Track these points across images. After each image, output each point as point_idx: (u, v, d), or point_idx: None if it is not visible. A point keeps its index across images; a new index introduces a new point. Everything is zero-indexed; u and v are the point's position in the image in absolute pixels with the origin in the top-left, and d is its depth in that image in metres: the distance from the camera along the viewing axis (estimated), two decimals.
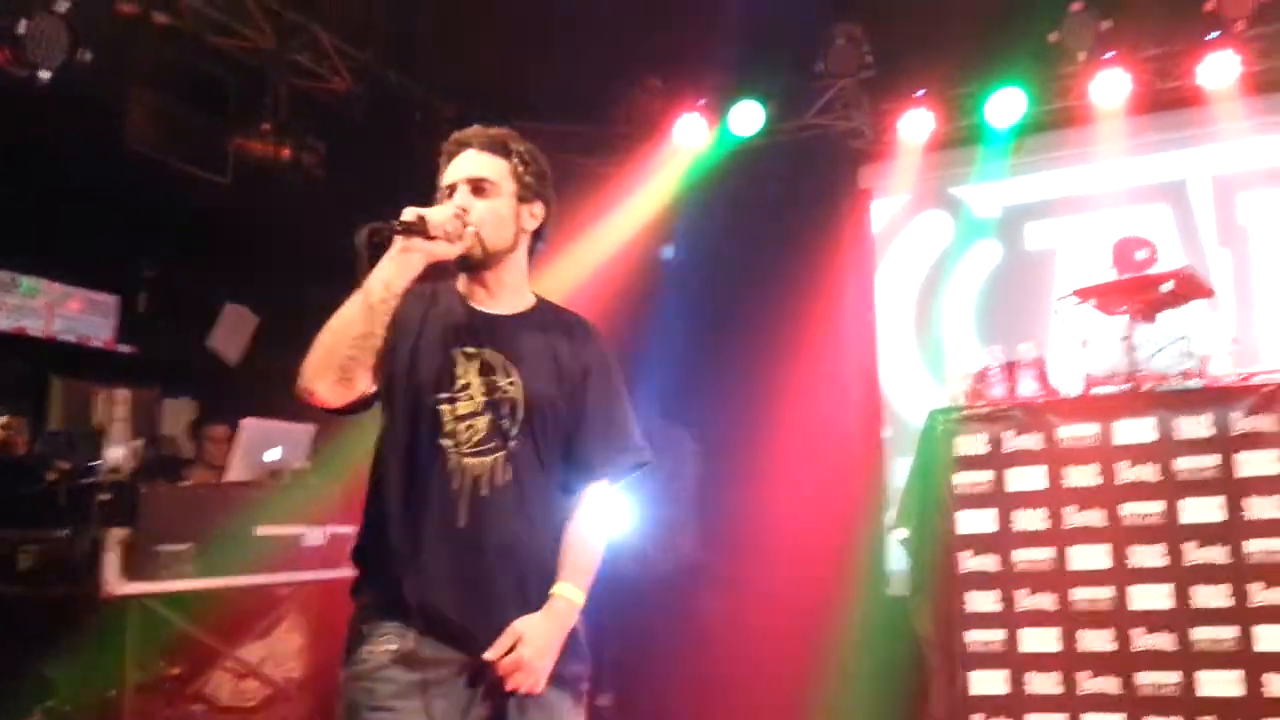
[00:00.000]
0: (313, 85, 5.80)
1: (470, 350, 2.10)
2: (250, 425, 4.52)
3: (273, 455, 4.54)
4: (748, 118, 6.17)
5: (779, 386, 5.22)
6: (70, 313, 5.46)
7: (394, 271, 2.00)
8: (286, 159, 5.78)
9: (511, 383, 2.09)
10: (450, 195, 2.14)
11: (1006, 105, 5.73)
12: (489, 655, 1.98)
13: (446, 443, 2.03)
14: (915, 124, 6.03)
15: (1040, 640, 3.51)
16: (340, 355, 1.96)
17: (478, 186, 2.13)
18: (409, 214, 2.00)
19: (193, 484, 4.75)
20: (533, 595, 2.05)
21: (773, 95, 6.22)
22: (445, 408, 2.05)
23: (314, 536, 4.29)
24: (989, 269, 6.02)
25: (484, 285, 2.17)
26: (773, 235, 5.95)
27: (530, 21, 5.52)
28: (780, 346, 5.50)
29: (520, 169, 2.17)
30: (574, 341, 2.21)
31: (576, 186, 6.12)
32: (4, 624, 3.72)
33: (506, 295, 2.19)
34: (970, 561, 3.62)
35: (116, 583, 3.59)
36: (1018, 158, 5.88)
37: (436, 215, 2.02)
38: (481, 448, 2.05)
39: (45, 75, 4.47)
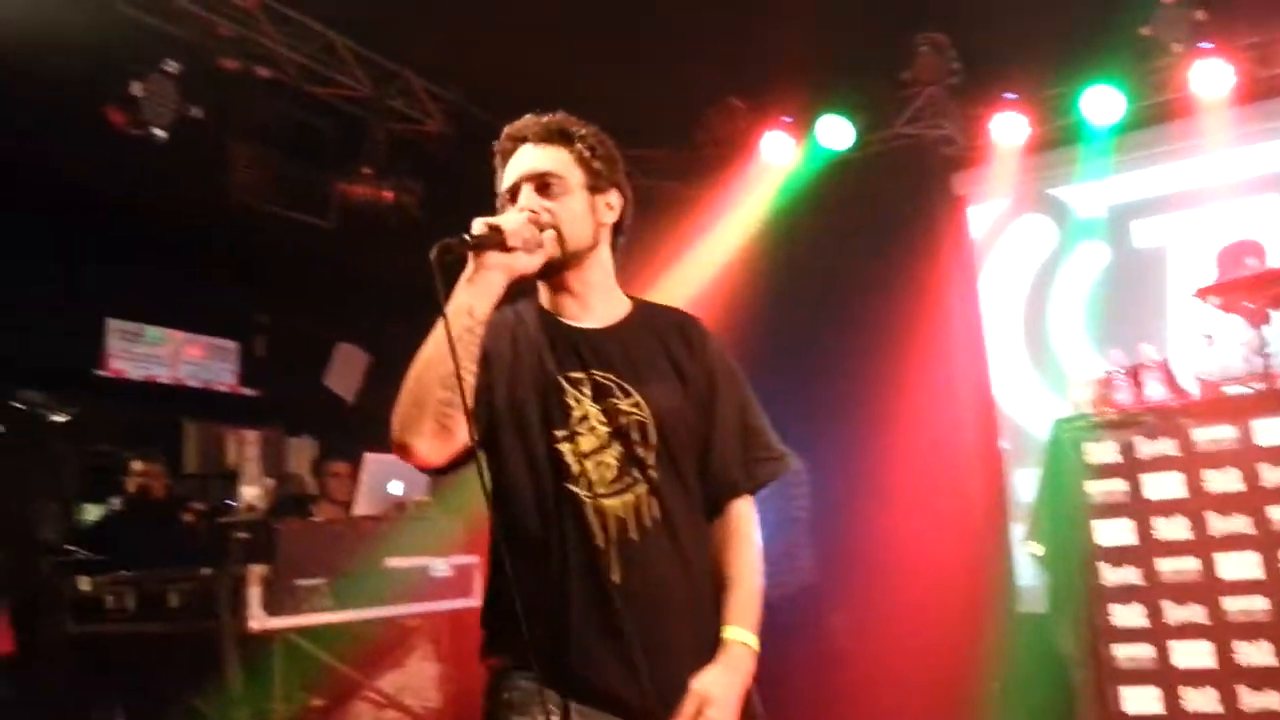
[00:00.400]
0: (407, 128, 5.96)
1: (576, 375, 1.85)
2: (373, 459, 4.64)
3: (395, 488, 4.66)
4: (836, 131, 6.15)
5: (889, 403, 5.17)
6: (193, 359, 5.68)
7: (475, 295, 1.75)
8: (387, 201, 5.95)
9: (635, 404, 1.84)
10: (513, 200, 1.89)
11: (1103, 103, 5.62)
12: None
13: (576, 488, 1.78)
14: (1007, 127, 5.95)
15: (1193, 654, 3.41)
16: (432, 400, 1.68)
17: (542, 183, 1.88)
18: (479, 225, 1.75)
19: (325, 520, 4.89)
20: (705, 646, 1.81)
21: (859, 107, 6.20)
22: (565, 446, 1.80)
23: (440, 567, 4.38)
24: (1097, 270, 5.88)
25: (570, 294, 1.92)
26: (870, 248, 5.90)
27: (608, 48, 5.59)
28: (887, 362, 5.44)
29: (586, 155, 1.92)
30: (690, 343, 1.96)
31: (664, 211, 6.18)
32: (157, 659, 3.89)
33: (598, 301, 1.94)
34: (1111, 574, 3.55)
35: (260, 617, 3.70)
36: (1119, 155, 5.76)
37: (510, 223, 1.78)
38: (617, 485, 1.79)
39: (160, 134, 4.67)
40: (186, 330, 5.66)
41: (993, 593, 5.33)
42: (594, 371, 1.84)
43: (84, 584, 4.14)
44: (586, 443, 1.80)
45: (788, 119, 6.29)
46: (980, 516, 5.65)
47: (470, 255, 1.75)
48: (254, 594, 3.73)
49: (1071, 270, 5.98)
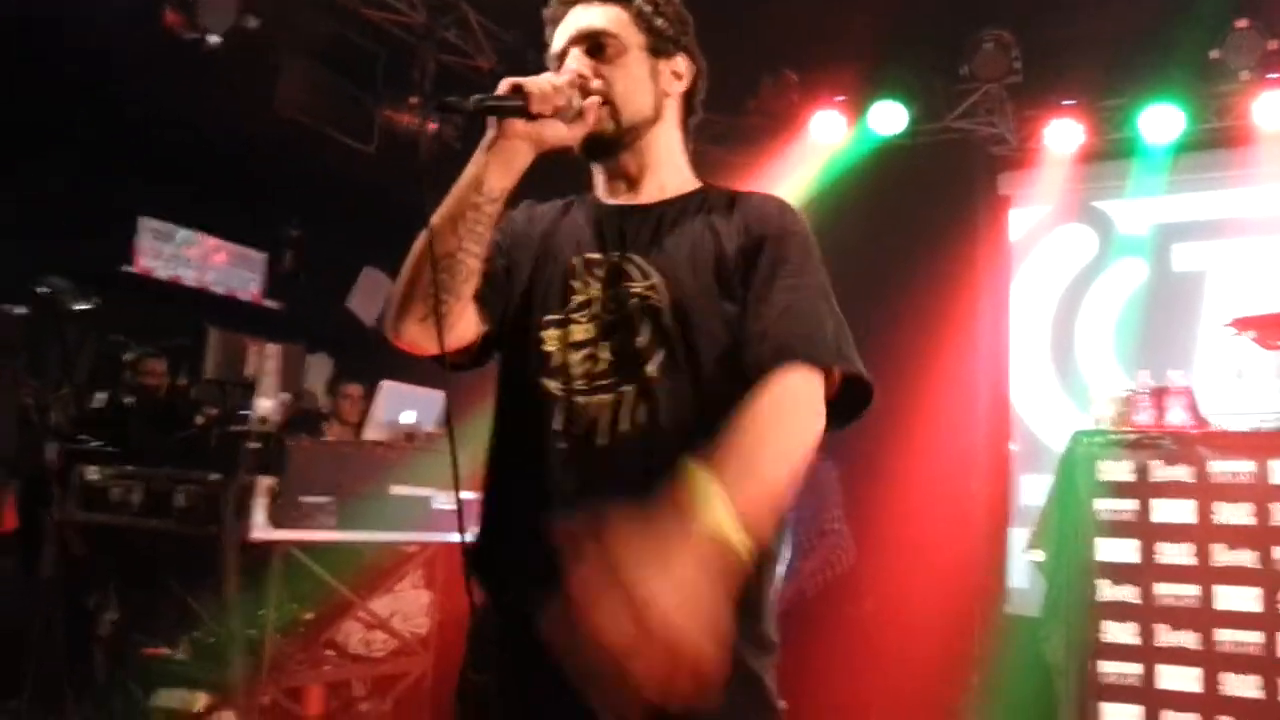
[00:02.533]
0: (458, 61, 5.93)
1: (593, 256, 1.57)
2: (389, 386, 4.67)
3: (408, 418, 4.69)
4: (888, 117, 6.09)
5: (908, 391, 5.15)
6: (219, 265, 5.71)
7: (489, 168, 1.46)
8: (429, 131, 5.92)
9: (649, 287, 1.52)
10: (559, 67, 1.60)
11: (1162, 121, 5.56)
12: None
13: (552, 381, 1.50)
14: (1062, 133, 5.90)
15: (1180, 679, 3.43)
16: (423, 282, 1.44)
17: (595, 44, 1.58)
18: (503, 85, 1.46)
19: (335, 440, 4.93)
20: None
21: (913, 96, 6.13)
22: (551, 333, 1.53)
23: (442, 500, 4.41)
24: (1132, 288, 5.86)
25: (625, 175, 1.63)
26: (909, 237, 5.87)
27: None
28: (911, 350, 5.42)
29: (648, 11, 1.61)
30: (755, 215, 1.57)
31: (707, 175, 6.14)
32: (157, 555, 3.95)
33: (655, 182, 1.63)
34: (1108, 590, 3.56)
35: (263, 528, 3.74)
36: (1170, 175, 5.70)
37: (538, 83, 1.46)
38: (603, 382, 1.49)
39: (214, 39, 4.66)
40: (218, 236, 5.67)
41: (985, 591, 5.37)
42: (614, 253, 1.56)
43: (91, 473, 4.19)
44: (579, 331, 1.52)
45: (840, 98, 6.23)
46: (983, 515, 5.68)
47: (491, 121, 1.46)
48: (259, 504, 3.75)
49: (1106, 285, 5.95)
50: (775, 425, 1.37)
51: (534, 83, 1.45)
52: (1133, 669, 3.49)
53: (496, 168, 1.46)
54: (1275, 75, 5.33)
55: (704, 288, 1.51)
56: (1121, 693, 3.49)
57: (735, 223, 1.57)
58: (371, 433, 4.62)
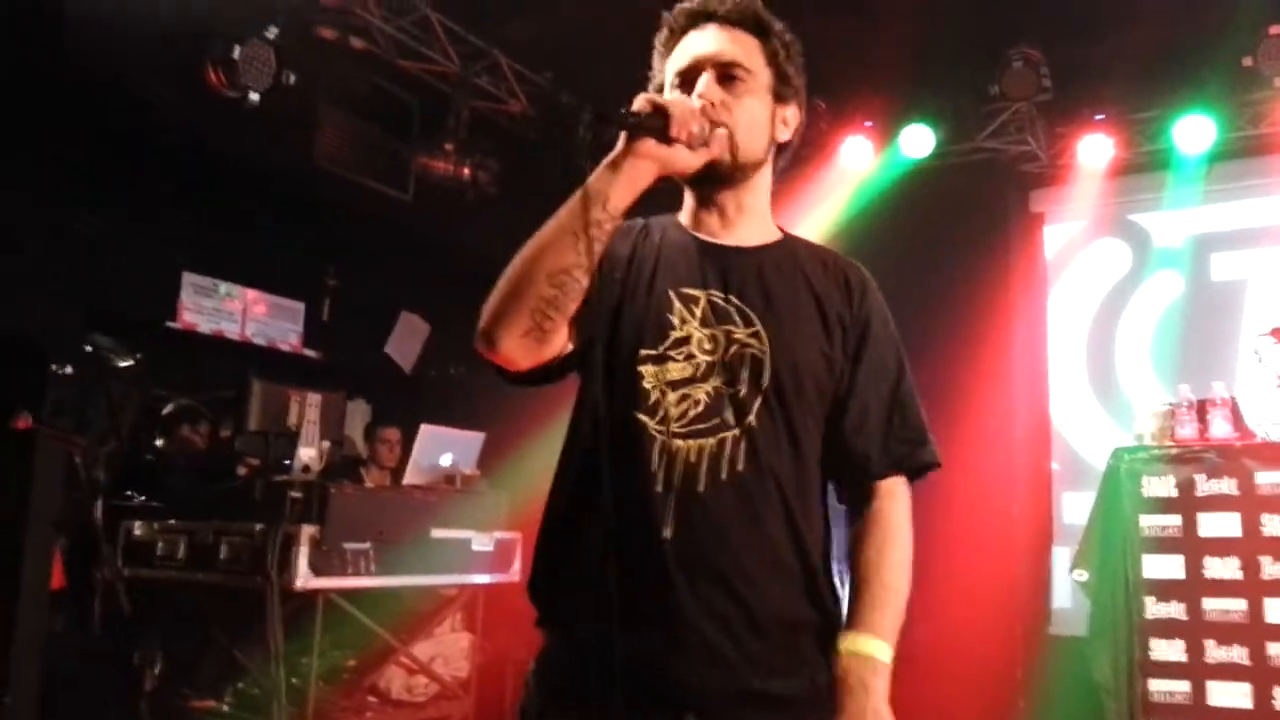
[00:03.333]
0: (491, 107, 6.02)
1: (692, 292, 1.53)
2: (428, 430, 4.73)
3: (446, 460, 4.74)
4: (918, 140, 6.08)
5: (947, 414, 5.11)
6: (259, 317, 5.82)
7: (616, 184, 1.42)
8: (464, 177, 6.01)
9: (754, 334, 1.50)
10: (684, 85, 1.55)
11: (1195, 131, 5.50)
12: None
13: (647, 419, 1.47)
14: (1093, 148, 5.85)
15: (1230, 695, 3.35)
16: (535, 294, 1.40)
17: (727, 73, 1.54)
18: (642, 102, 1.44)
19: (376, 486, 4.99)
20: (777, 648, 1.44)
21: (942, 117, 6.12)
22: (648, 369, 1.49)
23: (482, 541, 4.43)
24: (1170, 300, 5.77)
25: (720, 211, 1.60)
26: (943, 259, 5.84)
27: None
28: (950, 372, 5.38)
29: (781, 55, 1.58)
30: (847, 287, 1.60)
31: None
32: (202, 607, 4.01)
33: (747, 225, 1.61)
34: (1155, 608, 3.49)
35: (305, 576, 3.79)
36: (1205, 185, 5.63)
37: (679, 108, 1.44)
38: (700, 425, 1.46)
39: (255, 97, 4.78)
40: (257, 289, 5.79)
41: (1030, 612, 5.28)
42: (715, 291, 1.53)
43: (137, 528, 4.28)
44: (677, 370, 1.49)
45: (869, 124, 6.24)
46: (1024, 535, 5.61)
47: (622, 136, 1.43)
48: (302, 553, 3.80)
49: (1144, 298, 5.86)
50: (897, 558, 1.53)
51: (676, 106, 1.44)
52: (1182, 686, 3.41)
53: (622, 185, 1.43)
54: None
55: (804, 344, 1.53)
56: (1171, 711, 3.41)
57: (830, 283, 1.59)
58: (411, 476, 4.67)
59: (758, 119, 1.56)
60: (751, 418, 1.47)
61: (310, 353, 5.93)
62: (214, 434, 5.11)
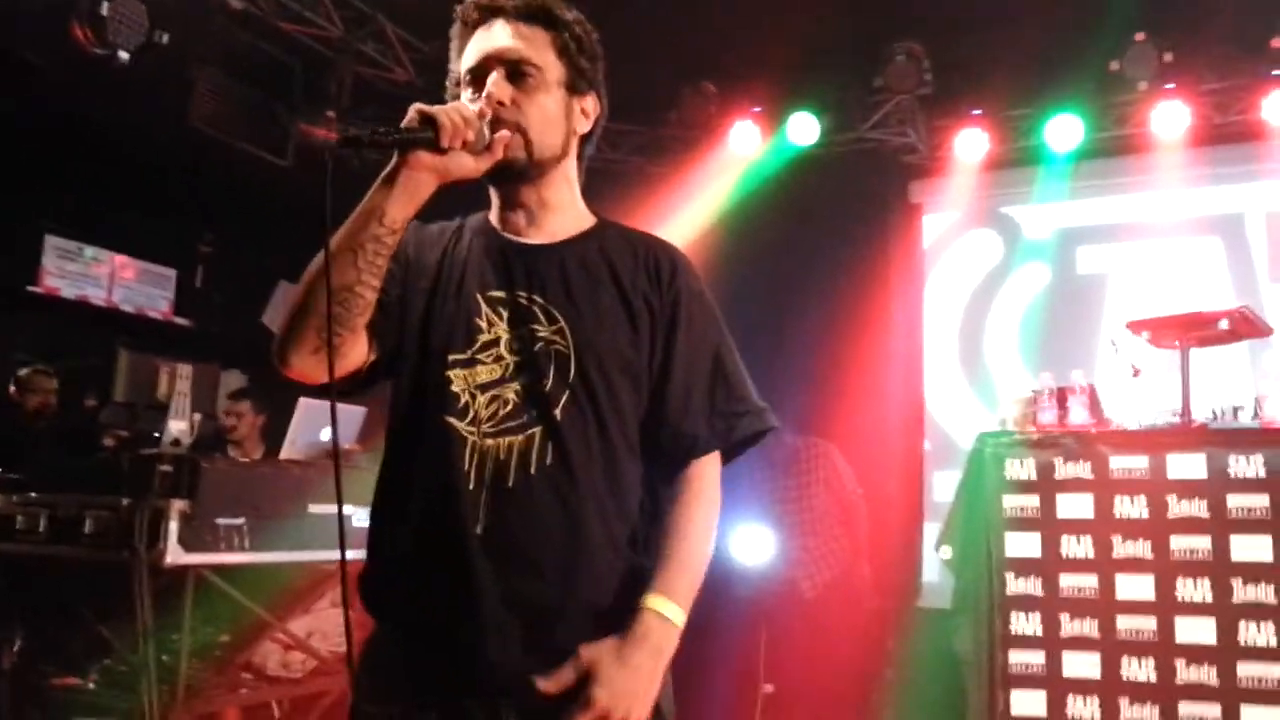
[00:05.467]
0: (375, 74, 5.89)
1: (496, 294, 1.57)
2: (306, 404, 4.61)
3: (325, 435, 4.63)
4: (804, 128, 6.20)
5: (825, 394, 5.26)
6: (127, 282, 5.59)
7: (391, 199, 1.43)
8: (335, 152, 5.84)
9: (557, 331, 1.54)
10: (473, 84, 1.55)
11: (1065, 130, 5.76)
12: (545, 686, 1.44)
13: (457, 422, 1.51)
14: (970, 142, 6.07)
15: (1082, 665, 3.54)
16: (319, 312, 1.42)
17: (516, 70, 1.54)
18: (412, 113, 1.44)
19: (250, 461, 4.84)
20: (590, 619, 1.50)
21: (827, 107, 6.26)
22: (457, 373, 1.53)
23: (362, 517, 4.36)
24: (1037, 290, 6.05)
25: (524, 207, 1.61)
26: (825, 245, 6.00)
27: (589, 20, 5.57)
28: (827, 355, 5.55)
29: (572, 47, 1.59)
30: (655, 270, 1.63)
31: (627, 187, 6.20)
32: (70, 584, 3.84)
33: (554, 219, 1.63)
34: (1015, 583, 3.66)
35: (176, 552, 3.67)
36: (1073, 182, 5.90)
37: (451, 116, 1.42)
38: (510, 424, 1.51)
39: (124, 56, 4.57)
40: (126, 254, 5.56)
41: (900, 587, 5.51)
42: (519, 293, 1.56)
43: None
44: (486, 372, 1.53)
45: (757, 109, 6.33)
46: (898, 512, 5.83)
47: (395, 152, 1.44)
48: (172, 528, 3.67)
49: (1013, 288, 6.13)
50: (700, 530, 1.59)
51: (445, 115, 1.42)
52: (1037, 658, 3.59)
53: (399, 199, 1.44)
54: (1171, 86, 5.54)
55: (609, 335, 1.56)
56: (1028, 681, 3.58)
57: (638, 270, 1.62)
58: (289, 451, 4.56)
59: (551, 114, 1.57)
60: (558, 412, 1.51)
61: (182, 321, 5.73)
62: (80, 403, 4.89)
